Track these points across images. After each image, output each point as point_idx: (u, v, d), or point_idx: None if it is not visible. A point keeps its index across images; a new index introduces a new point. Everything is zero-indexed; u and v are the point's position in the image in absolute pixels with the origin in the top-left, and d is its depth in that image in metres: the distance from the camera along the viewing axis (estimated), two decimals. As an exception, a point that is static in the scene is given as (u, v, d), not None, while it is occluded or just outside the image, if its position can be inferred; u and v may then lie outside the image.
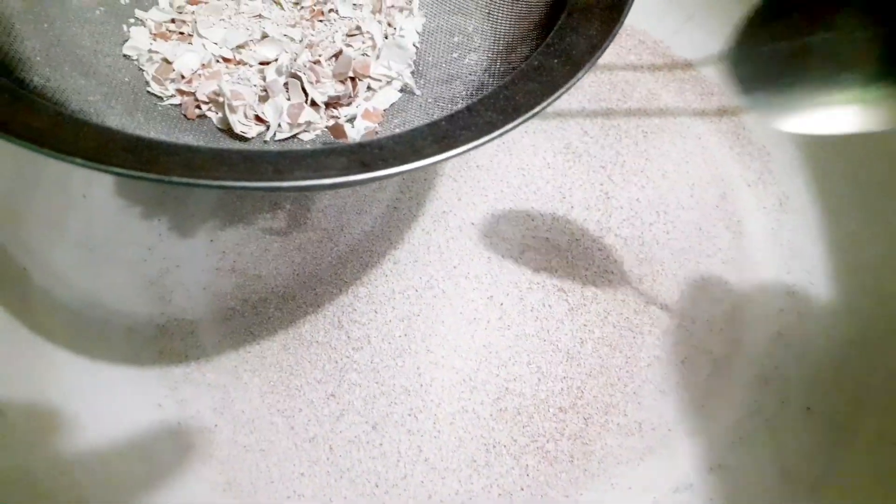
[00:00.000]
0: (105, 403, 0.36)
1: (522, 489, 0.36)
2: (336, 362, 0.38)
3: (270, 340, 0.39)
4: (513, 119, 0.25)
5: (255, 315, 0.39)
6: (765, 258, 0.42)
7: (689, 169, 0.44)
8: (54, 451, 0.33)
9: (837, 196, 0.43)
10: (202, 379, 0.37)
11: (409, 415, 0.37)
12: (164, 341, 0.38)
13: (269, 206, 0.41)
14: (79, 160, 0.21)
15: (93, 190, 0.40)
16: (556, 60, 0.27)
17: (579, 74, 0.26)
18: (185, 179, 0.21)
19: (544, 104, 0.25)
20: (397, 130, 0.33)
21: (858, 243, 0.42)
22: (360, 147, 0.24)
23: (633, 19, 0.49)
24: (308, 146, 0.32)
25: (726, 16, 0.48)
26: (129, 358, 0.37)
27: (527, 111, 0.25)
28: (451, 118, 0.26)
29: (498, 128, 0.24)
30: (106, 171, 0.21)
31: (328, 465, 0.36)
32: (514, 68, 0.32)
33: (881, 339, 0.38)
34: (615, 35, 0.27)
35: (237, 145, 0.31)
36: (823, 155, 0.45)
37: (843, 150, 0.44)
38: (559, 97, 0.25)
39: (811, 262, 0.42)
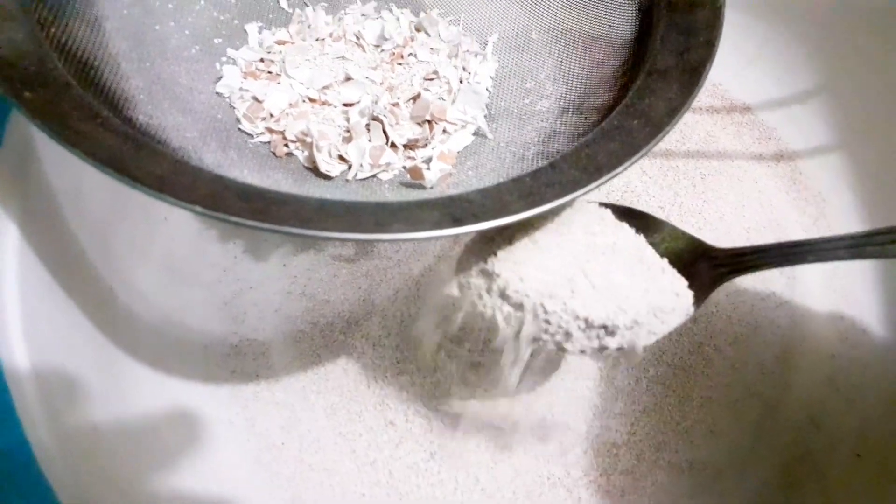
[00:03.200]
0: (180, 419, 0.38)
1: (574, 521, 0.37)
2: (393, 391, 0.39)
3: (333, 364, 0.41)
4: (595, 178, 0.26)
5: (322, 338, 0.41)
6: (818, 303, 0.43)
7: (745, 212, 0.45)
8: (136, 461, 0.35)
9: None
10: (272, 398, 0.39)
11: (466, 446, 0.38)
12: (237, 361, 0.40)
13: (340, 236, 0.43)
14: (198, 208, 0.23)
15: (173, 214, 0.42)
16: (635, 122, 0.28)
17: (659, 137, 0.27)
18: (297, 230, 0.23)
19: (625, 165, 0.26)
20: (470, 173, 0.35)
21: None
22: (451, 201, 0.26)
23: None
24: (387, 187, 0.34)
25: (786, 61, 0.49)
26: (204, 375, 0.39)
27: (609, 171, 0.26)
28: (535, 174, 0.27)
29: (581, 186, 0.26)
30: (224, 220, 0.23)
31: (388, 488, 0.38)
32: (585, 118, 0.34)
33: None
34: (694, 99, 0.28)
35: (324, 185, 0.33)
36: (880, 202, 0.45)
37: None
38: (640, 159, 0.26)
39: (865, 309, 0.43)
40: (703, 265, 0.32)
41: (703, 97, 0.50)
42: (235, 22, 0.39)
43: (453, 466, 0.38)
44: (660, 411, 0.40)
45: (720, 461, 0.39)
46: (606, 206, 0.33)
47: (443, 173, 0.34)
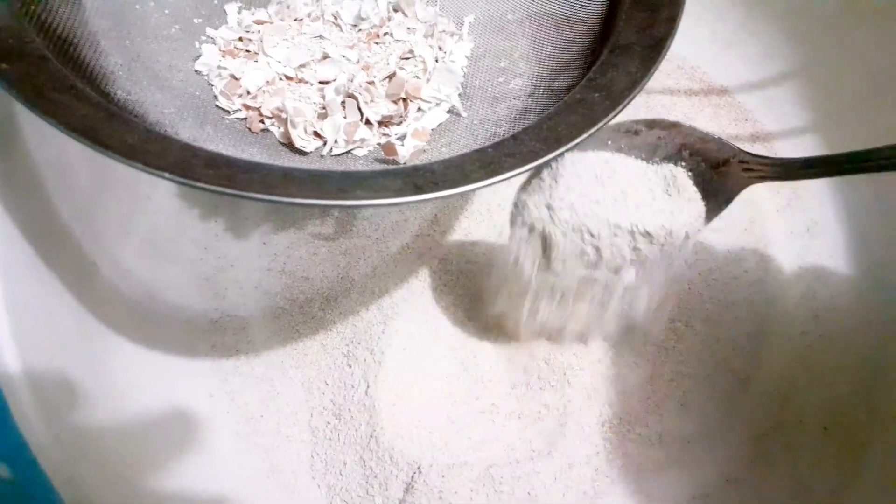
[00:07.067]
0: (161, 392, 0.38)
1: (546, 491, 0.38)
2: (367, 367, 0.40)
3: (312, 339, 0.41)
4: (554, 149, 0.27)
5: (301, 314, 0.42)
6: (790, 281, 0.44)
7: (719, 192, 0.46)
8: (119, 432, 0.36)
9: (864, 223, 0.44)
10: (251, 372, 0.40)
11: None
12: (217, 336, 0.41)
13: (319, 213, 0.44)
14: (167, 175, 0.24)
15: (156, 191, 0.43)
16: (597, 95, 0.29)
17: (618, 109, 0.28)
18: (261, 196, 0.24)
19: (583, 136, 0.27)
20: (444, 150, 0.36)
21: (884, 270, 0.43)
22: (414, 170, 0.27)
23: (672, 44, 0.51)
24: (361, 162, 0.35)
25: (763, 44, 0.50)
26: (184, 350, 0.40)
27: (567, 142, 0.27)
28: (497, 145, 0.28)
29: (541, 157, 0.27)
30: (191, 186, 0.24)
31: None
32: (555, 95, 0.35)
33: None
34: (653, 73, 0.29)
35: (298, 160, 0.34)
36: (852, 182, 0.46)
37: (872, 178, 0.45)
38: (598, 130, 0.27)
39: (836, 287, 0.43)
40: (734, 167, 0.35)
41: (682, 79, 0.51)
42: (215, 2, 0.40)
43: (428, 440, 0.38)
44: (630, 385, 0.40)
45: (690, 434, 0.40)
46: (637, 122, 0.36)
47: (416, 149, 0.35)
